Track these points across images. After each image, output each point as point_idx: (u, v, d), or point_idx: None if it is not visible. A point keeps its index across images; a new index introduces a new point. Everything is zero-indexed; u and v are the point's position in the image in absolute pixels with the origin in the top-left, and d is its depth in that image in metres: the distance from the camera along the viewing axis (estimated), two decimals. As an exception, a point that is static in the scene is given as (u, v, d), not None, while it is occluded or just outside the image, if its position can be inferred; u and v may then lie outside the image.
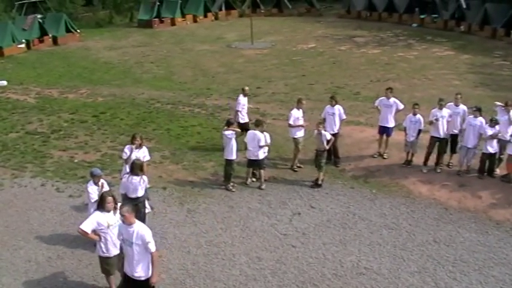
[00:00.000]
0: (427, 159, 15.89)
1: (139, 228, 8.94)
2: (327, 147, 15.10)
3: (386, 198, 14.49)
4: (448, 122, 15.53)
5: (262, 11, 54.89)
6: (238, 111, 17.43)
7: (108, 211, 9.77)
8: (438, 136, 15.56)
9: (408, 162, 16.15)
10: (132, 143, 12.90)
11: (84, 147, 18.09)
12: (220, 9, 54.12)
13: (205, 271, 11.30)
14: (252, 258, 11.73)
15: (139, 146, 12.92)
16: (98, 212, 9.86)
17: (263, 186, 15.02)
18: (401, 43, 38.44)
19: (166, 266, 11.42)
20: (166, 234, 12.63)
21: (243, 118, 17.50)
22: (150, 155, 13.69)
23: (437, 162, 15.81)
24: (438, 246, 12.26)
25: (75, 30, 42.19)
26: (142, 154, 12.91)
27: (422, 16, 46.72)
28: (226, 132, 14.58)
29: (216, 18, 52.47)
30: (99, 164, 16.19)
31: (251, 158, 14.91)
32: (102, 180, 11.61)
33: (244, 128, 16.54)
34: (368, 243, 12.37)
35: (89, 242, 10.95)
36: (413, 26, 45.93)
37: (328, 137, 15.04)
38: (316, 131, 15.07)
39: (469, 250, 12.15)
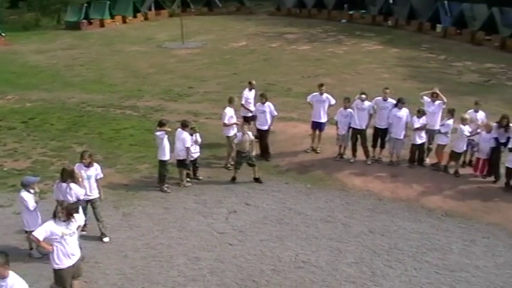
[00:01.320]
0: (353, 150, 16.25)
1: (14, 282, 7.86)
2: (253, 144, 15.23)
3: (321, 192, 14.65)
4: (370, 114, 15.95)
5: (193, 10, 54.62)
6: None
7: (63, 220, 9.44)
8: (355, 127, 15.94)
9: (341, 156, 16.41)
10: (81, 161, 12.26)
11: (13, 155, 17.51)
12: (150, 10, 53.52)
13: (144, 274, 11.13)
14: (190, 259, 11.64)
15: (90, 164, 12.22)
16: (51, 221, 9.46)
17: (188, 185, 14.99)
18: (331, 39, 38.98)
19: (104, 272, 11.18)
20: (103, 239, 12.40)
21: (246, 112, 17.40)
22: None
23: (366, 155, 16.16)
24: (373, 236, 12.49)
25: (0, 34, 40.87)
26: (94, 172, 12.23)
27: (351, 12, 47.53)
28: (158, 133, 14.40)
29: (146, 18, 51.85)
30: (30, 171, 15.69)
31: (178, 159, 14.81)
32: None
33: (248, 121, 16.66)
34: (305, 237, 12.46)
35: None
36: (343, 21, 46.66)
37: (252, 137, 15.12)
38: (240, 133, 15.06)
39: (403, 238, 12.43)
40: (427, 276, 11.09)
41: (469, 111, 15.76)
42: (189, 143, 14.55)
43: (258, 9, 56.73)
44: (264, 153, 16.48)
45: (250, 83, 17.73)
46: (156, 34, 42.96)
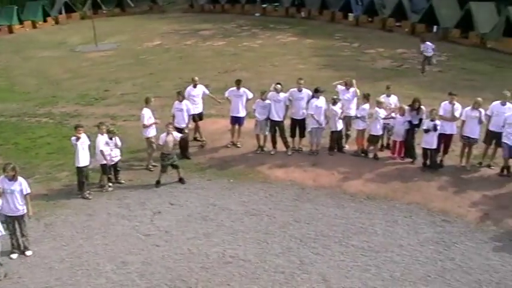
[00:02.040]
0: (273, 141, 16.40)
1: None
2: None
3: (244, 186, 14.68)
4: (287, 106, 16.10)
5: (105, 12, 53.60)
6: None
7: None
8: (273, 119, 16.07)
9: (261, 148, 16.50)
10: (4, 174, 11.51)
11: None
12: (60, 13, 52.11)
13: (71, 285, 10.82)
14: (118, 264, 11.42)
15: (13, 178, 11.47)
16: None
17: (110, 189, 14.74)
18: (245, 33, 39.17)
19: (28, 287, 10.79)
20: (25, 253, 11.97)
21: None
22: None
23: (286, 146, 16.34)
24: (299, 225, 12.65)
25: None
26: (18, 187, 11.50)
27: (264, 5, 47.89)
28: (72, 138, 14.05)
29: (57, 22, 50.47)
30: None
31: (100, 163, 14.54)
32: None
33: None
34: (231, 232, 12.47)
35: None
36: (256, 15, 46.96)
37: (178, 136, 15.00)
38: (164, 134, 14.83)
39: (329, 224, 12.66)
40: (354, 260, 11.35)
41: (382, 95, 16.15)
42: (101, 146, 14.22)
43: (171, 7, 56.37)
44: (184, 151, 16.36)
45: (193, 79, 17.48)
46: (68, 38, 41.91)
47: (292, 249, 11.70)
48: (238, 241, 12.08)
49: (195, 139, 17.41)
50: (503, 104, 14.78)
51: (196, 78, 17.50)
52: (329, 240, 12.03)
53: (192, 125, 16.98)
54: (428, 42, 25.33)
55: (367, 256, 11.49)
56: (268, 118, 16.14)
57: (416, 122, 15.23)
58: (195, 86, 17.26)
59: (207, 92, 17.61)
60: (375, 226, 12.64)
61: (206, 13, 50.41)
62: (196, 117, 17.15)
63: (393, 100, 16.15)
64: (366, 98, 15.80)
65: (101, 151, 14.23)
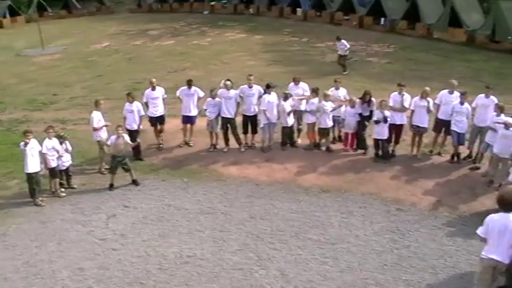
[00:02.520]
0: (225, 139, 16.39)
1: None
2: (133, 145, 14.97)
3: (198, 185, 14.62)
4: (238, 103, 16.10)
5: (51, 14, 52.60)
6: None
7: None
8: (224, 116, 16.06)
9: (214, 147, 16.48)
10: None
11: None
12: (5, 17, 50.77)
13: (26, 294, 10.65)
14: (74, 271, 11.21)
15: None
16: None
17: (63, 195, 14.47)
18: (194, 31, 39.01)
19: (-20, 300, 10.61)
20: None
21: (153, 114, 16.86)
22: None
23: (238, 143, 16.38)
24: (255, 222, 12.67)
25: None
26: None
27: (212, 3, 47.77)
28: (21, 144, 13.75)
29: (1, 26, 49.26)
30: None
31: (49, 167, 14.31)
32: None
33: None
34: (187, 231, 12.40)
35: None
36: (205, 13, 46.85)
37: (127, 138, 14.84)
38: (114, 136, 14.63)
39: (285, 219, 12.72)
40: (311, 253, 11.44)
41: (331, 88, 16.27)
42: (44, 149, 13.94)
43: (119, 8, 55.76)
44: (137, 153, 16.21)
45: (151, 82, 17.13)
46: (14, 42, 40.89)
47: (249, 246, 11.71)
48: (194, 240, 12.02)
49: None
50: (451, 92, 15.09)
51: (154, 80, 17.17)
52: (285, 234, 12.09)
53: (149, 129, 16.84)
54: (343, 41, 25.51)
55: (324, 248, 11.59)
56: (219, 115, 16.11)
57: (367, 114, 15.43)
58: (153, 89, 16.93)
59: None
60: (330, 218, 12.76)
61: (154, 12, 50.04)
62: (157, 122, 16.92)
63: (342, 93, 16.29)
64: (314, 92, 15.90)
65: (43, 153, 13.92)
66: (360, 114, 15.39)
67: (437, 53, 29.15)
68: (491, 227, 9.06)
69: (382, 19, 35.67)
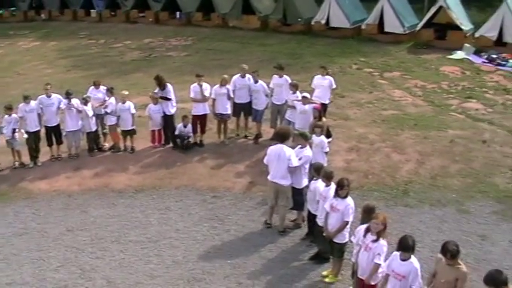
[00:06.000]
0: (31, 155, 15.53)
1: None
2: None
3: (8, 206, 13.74)
4: (39, 114, 15.29)
5: None
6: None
7: None
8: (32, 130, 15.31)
9: (21, 163, 15.57)
10: None
11: None
12: None
13: None
14: None
15: None
16: None
17: None
18: (-18, 44, 36.54)
19: None
20: None
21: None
22: None
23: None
24: (73, 234, 12.31)
25: None
26: None
27: (-1, 12, 45.07)
28: None
29: None
30: None
31: None
32: None
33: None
34: (2, 258, 11.66)
35: None
36: (-8, 23, 44.05)
37: None
38: None
39: (103, 226, 12.53)
40: (135, 254, 11.44)
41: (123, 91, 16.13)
42: None
43: None
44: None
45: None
46: None
47: (71, 260, 11.37)
48: (12, 265, 11.36)
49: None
50: (243, 76, 15.70)
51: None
52: (106, 241, 11.92)
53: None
54: None
55: (147, 248, 11.65)
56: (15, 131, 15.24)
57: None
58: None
59: None
60: (149, 217, 12.81)
61: None
62: None
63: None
64: (109, 92, 15.75)
65: None
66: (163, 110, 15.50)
67: (235, 40, 29.98)
68: (270, 156, 11.60)
69: (178, 13, 35.90)
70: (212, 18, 34.56)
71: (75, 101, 15.16)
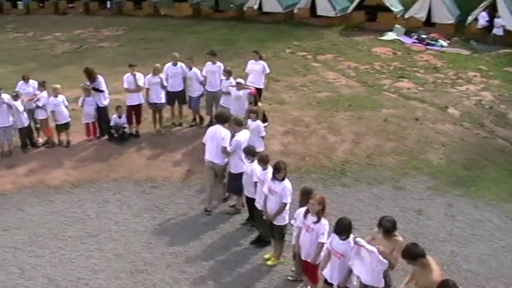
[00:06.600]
0: None
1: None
2: None
3: None
4: None
5: None
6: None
7: None
8: None
9: None
10: None
11: None
12: None
13: None
14: None
15: None
16: None
17: None
18: None
19: None
20: None
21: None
22: None
23: None
24: (10, 233, 11.96)
25: None
26: None
27: None
28: None
29: None
30: None
31: None
32: None
33: None
34: None
35: None
36: None
37: None
38: None
39: (40, 223, 12.28)
40: (75, 250, 11.32)
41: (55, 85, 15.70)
42: None
43: None
44: None
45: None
46: None
47: (9, 260, 11.08)
48: None
49: None
50: (175, 64, 15.67)
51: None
52: (45, 239, 11.70)
53: None
54: None
55: (87, 243, 11.52)
56: None
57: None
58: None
59: None
60: (87, 211, 12.65)
61: None
62: None
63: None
64: (42, 86, 15.39)
65: None
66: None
67: (167, 29, 29.80)
68: (207, 135, 12.06)
69: (108, 2, 35.28)
70: (143, 7, 34.25)
71: (6, 96, 14.71)
